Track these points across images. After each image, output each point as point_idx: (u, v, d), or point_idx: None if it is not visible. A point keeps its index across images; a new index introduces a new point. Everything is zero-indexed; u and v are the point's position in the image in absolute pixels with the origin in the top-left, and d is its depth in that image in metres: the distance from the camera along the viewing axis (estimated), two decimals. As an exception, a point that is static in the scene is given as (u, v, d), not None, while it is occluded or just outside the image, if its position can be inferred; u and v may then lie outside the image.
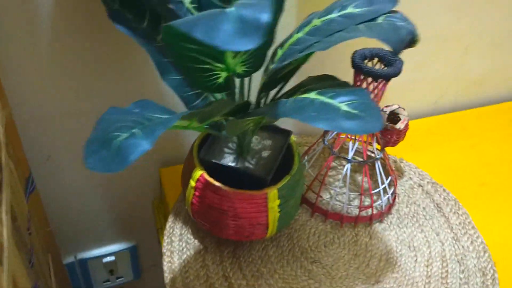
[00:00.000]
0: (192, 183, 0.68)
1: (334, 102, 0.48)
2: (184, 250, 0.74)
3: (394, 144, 0.82)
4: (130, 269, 1.05)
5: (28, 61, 0.71)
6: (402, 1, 0.88)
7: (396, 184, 0.82)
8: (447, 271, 0.74)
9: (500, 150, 0.97)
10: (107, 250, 1.00)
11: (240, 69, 0.53)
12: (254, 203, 0.65)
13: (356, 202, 0.81)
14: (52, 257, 0.86)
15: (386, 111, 0.81)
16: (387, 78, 0.68)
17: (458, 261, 0.76)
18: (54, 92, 0.76)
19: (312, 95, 0.51)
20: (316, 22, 0.56)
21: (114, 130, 0.41)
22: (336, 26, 0.52)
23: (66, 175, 0.85)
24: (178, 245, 0.75)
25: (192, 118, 0.48)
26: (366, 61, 0.73)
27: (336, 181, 0.84)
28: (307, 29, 0.56)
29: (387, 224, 0.80)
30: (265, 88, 0.59)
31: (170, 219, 0.78)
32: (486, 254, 0.77)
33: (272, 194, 0.65)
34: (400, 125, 0.79)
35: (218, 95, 0.63)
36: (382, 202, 0.79)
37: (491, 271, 0.75)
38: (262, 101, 0.63)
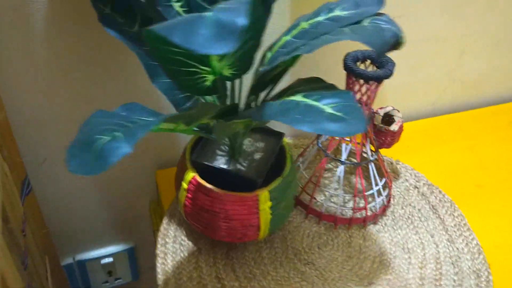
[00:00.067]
0: (184, 185, 0.68)
1: (319, 104, 0.49)
2: (178, 251, 0.75)
3: (388, 146, 0.82)
4: (128, 271, 1.05)
5: (23, 64, 0.72)
6: (399, 4, 0.88)
7: (391, 186, 0.82)
8: (440, 273, 0.74)
9: (498, 152, 0.97)
10: (106, 252, 1.01)
11: (227, 72, 0.54)
12: (245, 205, 0.66)
13: (351, 204, 0.81)
14: (49, 259, 0.87)
15: (380, 113, 0.81)
16: (378, 80, 0.68)
17: (452, 263, 0.75)
18: (49, 95, 0.76)
19: (298, 97, 0.51)
20: (304, 25, 0.56)
21: (97, 133, 0.41)
22: (323, 29, 0.53)
23: (63, 177, 0.86)
24: (172, 246, 0.75)
25: (178, 120, 0.48)
26: (358, 63, 0.73)
27: (331, 183, 0.84)
28: (295, 32, 0.56)
29: (382, 225, 0.81)
30: (254, 90, 0.59)
31: (165, 220, 0.79)
32: (481, 256, 0.77)
33: (263, 196, 0.65)
34: (394, 127, 0.79)
35: (210, 98, 0.64)
36: (376, 203, 0.79)
37: (486, 273, 0.74)
38: (253, 103, 0.64)
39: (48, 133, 0.80)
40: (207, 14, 0.37)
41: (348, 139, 0.81)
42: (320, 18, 0.54)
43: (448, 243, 0.78)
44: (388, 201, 0.82)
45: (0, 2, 0.66)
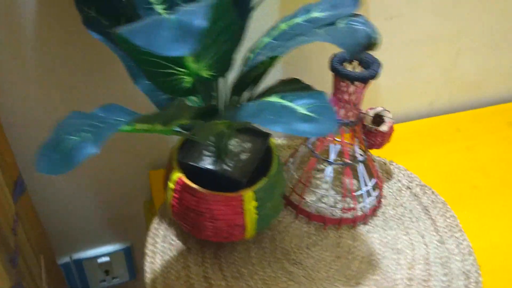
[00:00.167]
0: (171, 185, 0.69)
1: (293, 105, 0.49)
2: (167, 251, 0.75)
3: (379, 146, 0.82)
4: (125, 270, 1.06)
5: (14, 66, 0.73)
6: (394, 5, 0.88)
7: (382, 187, 0.82)
8: (429, 274, 0.74)
9: (495, 153, 0.96)
10: (102, 251, 1.02)
11: (205, 73, 0.54)
12: (230, 205, 0.66)
13: (341, 205, 0.81)
14: (44, 258, 0.88)
15: (370, 114, 0.81)
16: (364, 80, 0.68)
17: (441, 264, 0.75)
18: (41, 97, 0.78)
19: (275, 98, 0.52)
20: (283, 26, 0.56)
21: (67, 133, 0.42)
22: (299, 30, 0.53)
23: (58, 177, 0.87)
24: (161, 246, 0.76)
25: (153, 121, 0.49)
26: (346, 63, 0.73)
27: (322, 183, 0.84)
28: (274, 33, 0.57)
29: (372, 226, 0.80)
30: (235, 91, 0.60)
31: (155, 220, 0.79)
32: (471, 257, 0.76)
33: (248, 196, 0.66)
34: (383, 128, 0.79)
35: (194, 98, 0.64)
36: (366, 204, 0.79)
37: (476, 274, 0.74)
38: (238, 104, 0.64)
39: (41, 135, 0.81)
40: (170, 16, 0.37)
41: (338, 139, 0.81)
42: (298, 20, 0.55)
43: (439, 244, 0.78)
44: (379, 202, 0.82)
45: (-9, 5, 0.68)
